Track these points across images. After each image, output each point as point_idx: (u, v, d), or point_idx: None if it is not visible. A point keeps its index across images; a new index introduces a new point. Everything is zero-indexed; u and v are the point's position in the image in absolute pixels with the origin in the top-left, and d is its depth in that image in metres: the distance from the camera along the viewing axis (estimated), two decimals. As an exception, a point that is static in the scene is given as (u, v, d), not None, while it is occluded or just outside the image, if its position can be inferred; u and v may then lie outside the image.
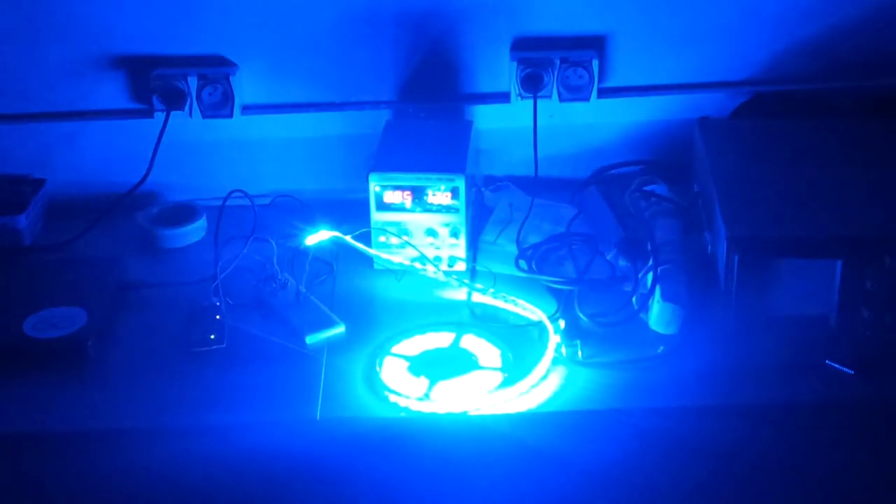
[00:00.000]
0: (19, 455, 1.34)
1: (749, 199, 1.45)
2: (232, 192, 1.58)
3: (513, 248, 1.62)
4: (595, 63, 1.70)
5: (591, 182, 1.77)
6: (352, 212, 1.72)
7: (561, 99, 1.73)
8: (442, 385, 1.37)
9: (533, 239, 1.64)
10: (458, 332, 1.45)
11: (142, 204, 1.73)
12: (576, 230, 1.64)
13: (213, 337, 1.45)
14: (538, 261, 1.59)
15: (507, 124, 1.77)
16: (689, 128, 1.74)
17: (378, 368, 1.40)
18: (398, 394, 1.35)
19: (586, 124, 1.77)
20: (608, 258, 1.50)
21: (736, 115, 1.74)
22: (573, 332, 1.43)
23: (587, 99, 1.73)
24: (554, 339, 1.42)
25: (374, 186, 1.55)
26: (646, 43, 1.73)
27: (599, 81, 1.72)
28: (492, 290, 1.52)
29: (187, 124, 1.73)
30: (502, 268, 1.58)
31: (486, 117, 1.76)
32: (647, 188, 1.65)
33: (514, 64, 1.71)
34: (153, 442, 1.34)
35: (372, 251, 1.57)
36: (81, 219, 1.71)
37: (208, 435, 1.34)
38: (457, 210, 1.55)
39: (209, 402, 1.37)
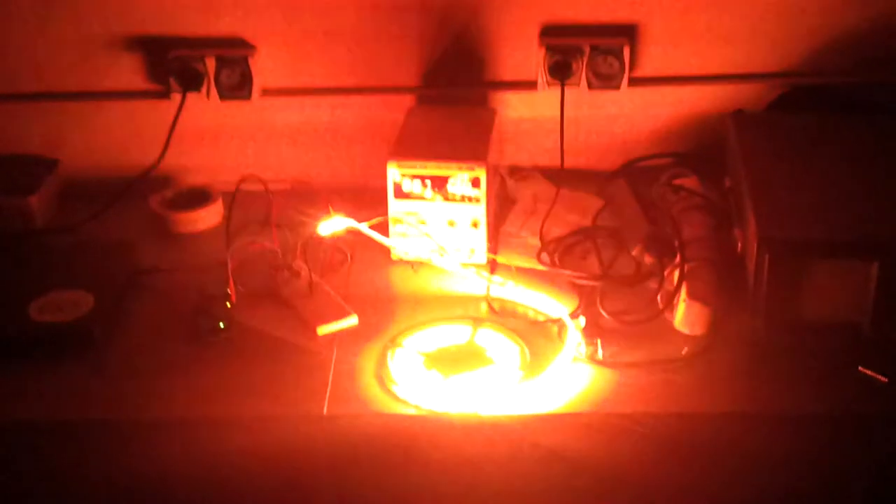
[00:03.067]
0: (19, 443, 1.30)
1: (783, 196, 1.39)
2: (245, 176, 1.53)
3: (535, 241, 1.57)
4: (626, 51, 1.64)
5: (620, 174, 1.72)
6: (370, 200, 1.66)
7: (590, 87, 1.67)
8: (455, 381, 1.32)
9: (557, 231, 1.58)
10: (474, 327, 1.40)
11: (156, 187, 1.69)
12: (601, 223, 1.58)
13: (222, 326, 1.41)
14: (561, 254, 1.53)
15: (534, 113, 1.71)
16: (722, 121, 1.68)
17: (389, 363, 1.35)
18: (409, 390, 1.30)
19: (615, 114, 1.72)
20: (634, 253, 1.44)
21: (771, 109, 1.68)
22: (594, 330, 1.38)
23: (617, 87, 1.67)
24: (574, 336, 1.36)
25: (392, 174, 1.50)
26: (679, 32, 1.67)
27: (630, 70, 1.67)
28: (512, 283, 1.47)
29: (204, 106, 1.68)
30: (524, 261, 1.53)
31: (512, 105, 1.70)
32: (677, 182, 1.58)
33: (542, 51, 1.65)
34: (156, 433, 1.30)
35: (388, 241, 1.52)
36: (94, 201, 1.67)
37: (213, 428, 1.29)
38: (478, 200, 1.50)
39: (215, 393, 1.32)
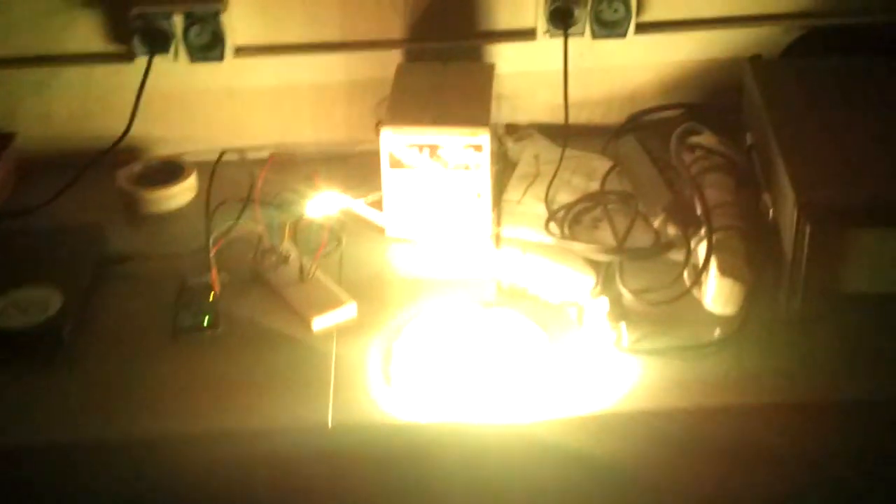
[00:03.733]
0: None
1: (819, 156, 1.26)
2: (224, 152, 1.39)
3: (541, 209, 1.44)
4: (634, -6, 1.50)
5: (627, 129, 1.58)
6: (359, 168, 1.54)
7: (594, 36, 1.53)
8: (469, 379, 1.20)
9: (563, 197, 1.45)
10: (485, 314, 1.28)
11: (121, 161, 1.54)
12: (611, 187, 1.45)
13: (206, 321, 1.27)
14: (570, 223, 1.41)
15: (532, 66, 1.57)
16: (735, 68, 1.54)
17: (395, 360, 1.22)
18: (419, 391, 1.18)
19: (621, 65, 1.58)
20: (655, 224, 1.31)
21: (789, 54, 1.55)
22: (616, 312, 1.25)
23: (623, 35, 1.53)
24: (595, 321, 1.24)
25: (386, 142, 1.35)
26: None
27: (636, 15, 1.53)
28: (520, 259, 1.34)
29: (172, 69, 1.53)
30: (530, 232, 1.40)
31: (507, 58, 1.56)
32: (693, 139, 1.45)
33: (542, -4, 1.51)
34: (142, 452, 1.16)
35: (386, 220, 1.39)
36: (54, 179, 1.51)
37: (206, 443, 1.16)
38: (480, 169, 1.36)
39: (206, 402, 1.18)
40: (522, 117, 1.59)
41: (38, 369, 1.23)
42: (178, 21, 1.50)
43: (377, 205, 1.39)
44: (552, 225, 1.39)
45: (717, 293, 1.24)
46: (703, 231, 1.28)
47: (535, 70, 1.57)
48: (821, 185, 1.21)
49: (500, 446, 1.18)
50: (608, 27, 1.52)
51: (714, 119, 1.53)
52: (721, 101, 1.57)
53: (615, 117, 1.61)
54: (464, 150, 1.35)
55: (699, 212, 1.30)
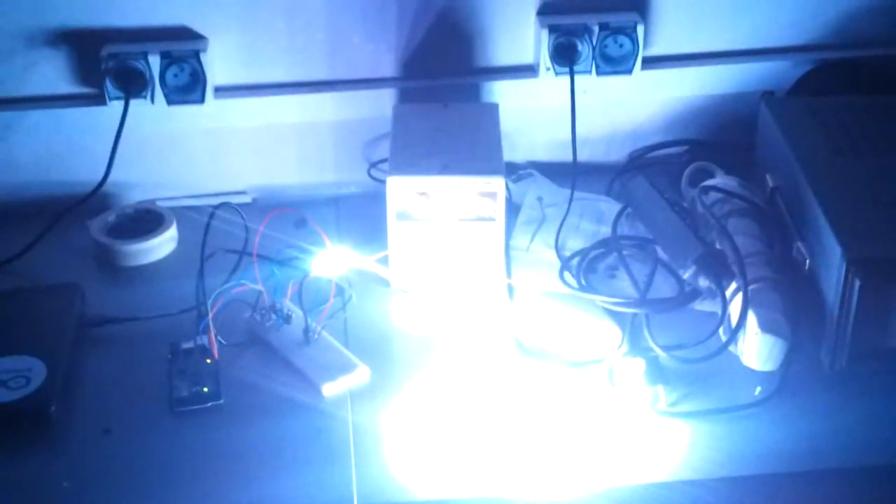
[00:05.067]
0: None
1: (859, 205, 1.20)
2: (220, 205, 1.29)
3: (551, 256, 1.36)
4: (640, 29, 1.43)
5: (631, 168, 1.51)
6: (349, 212, 1.46)
7: (598, 73, 1.45)
8: (496, 451, 1.11)
9: (573, 243, 1.37)
10: (505, 375, 1.19)
11: (92, 209, 1.42)
12: (621, 231, 1.38)
13: (206, 390, 1.17)
14: (585, 272, 1.33)
15: (531, 102, 1.49)
16: (741, 104, 1.49)
17: (417, 430, 1.13)
18: (447, 466, 1.09)
19: (623, 100, 1.50)
20: (685, 276, 1.24)
21: (797, 88, 1.49)
22: (653, 372, 1.18)
23: (629, 72, 1.45)
24: (628, 381, 1.16)
25: (393, 193, 1.26)
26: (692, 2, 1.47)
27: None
28: (538, 313, 1.26)
29: (148, 112, 1.41)
30: (543, 281, 1.32)
31: (505, 94, 1.47)
32: (710, 182, 1.38)
33: (544, 31, 1.42)
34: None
35: (393, 274, 1.30)
36: (19, 231, 1.39)
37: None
38: (494, 219, 1.28)
39: (212, 479, 1.08)
40: (520, 156, 1.51)
41: (23, 449, 1.11)
42: (154, 61, 1.39)
43: (384, 260, 1.30)
44: (566, 274, 1.31)
45: (759, 350, 1.17)
46: (736, 283, 1.21)
47: (534, 107, 1.49)
48: (867, 237, 1.15)
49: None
50: (613, 63, 1.45)
51: (720, 156, 1.47)
52: (727, 137, 1.51)
53: (616, 155, 1.54)
54: (477, 199, 1.26)
55: (731, 262, 1.23)
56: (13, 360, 1.17)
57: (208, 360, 1.20)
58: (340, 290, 1.27)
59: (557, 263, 1.33)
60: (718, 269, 1.22)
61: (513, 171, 1.49)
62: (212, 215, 1.32)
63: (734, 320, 1.19)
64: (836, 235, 1.15)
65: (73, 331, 1.23)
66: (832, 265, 1.15)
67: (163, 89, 1.40)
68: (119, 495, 1.07)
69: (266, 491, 1.07)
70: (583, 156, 1.47)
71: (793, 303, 1.21)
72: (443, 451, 1.10)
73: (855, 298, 1.12)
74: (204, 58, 1.39)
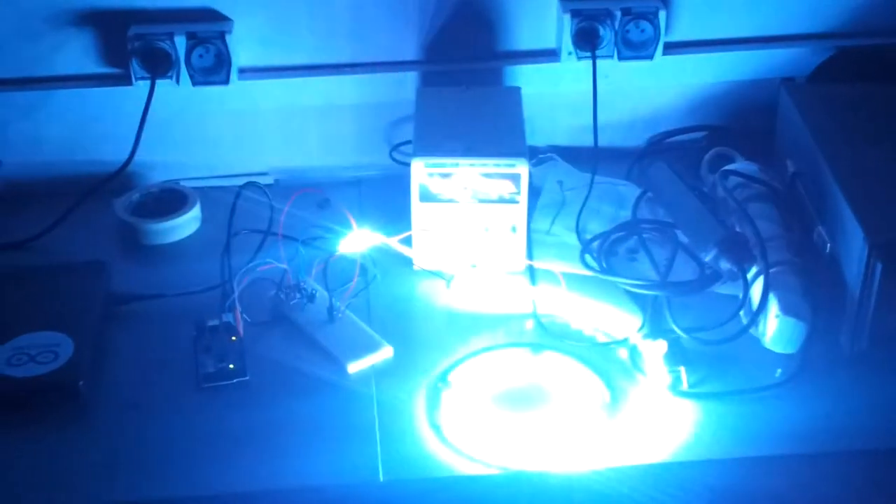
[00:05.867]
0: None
1: (881, 189, 1.21)
2: (245, 185, 1.30)
3: (571, 239, 1.37)
4: (662, 14, 1.44)
5: (649, 153, 1.52)
6: (370, 194, 1.47)
7: (620, 57, 1.46)
8: (523, 427, 1.12)
9: (593, 226, 1.38)
10: (531, 355, 1.20)
11: (116, 189, 1.44)
12: (641, 214, 1.39)
13: (232, 367, 1.18)
14: (606, 254, 1.34)
15: (552, 87, 1.50)
16: (760, 90, 1.50)
17: (444, 407, 1.14)
18: (473, 442, 1.10)
19: (644, 86, 1.51)
20: (707, 259, 1.25)
21: (817, 75, 1.49)
22: (675, 354, 1.19)
23: (650, 57, 1.46)
24: (650, 362, 1.17)
25: (417, 174, 1.27)
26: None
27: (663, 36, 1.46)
28: (560, 295, 1.27)
29: (174, 93, 1.43)
30: (564, 264, 1.32)
31: (527, 79, 1.48)
32: (731, 167, 1.39)
33: (567, 16, 1.43)
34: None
35: (417, 254, 1.31)
36: (44, 209, 1.41)
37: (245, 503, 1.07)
38: (516, 201, 1.29)
39: (236, 456, 1.10)
40: (541, 140, 1.52)
41: (52, 424, 1.12)
42: (180, 42, 1.40)
43: (406, 240, 1.31)
44: (587, 257, 1.32)
45: (779, 332, 1.18)
46: (757, 266, 1.22)
47: (555, 92, 1.50)
48: (889, 221, 1.15)
49: (555, 497, 1.10)
50: (635, 48, 1.46)
51: (739, 142, 1.48)
52: (746, 123, 1.52)
53: (636, 140, 1.55)
54: (501, 180, 1.27)
55: (752, 245, 1.24)
56: (41, 336, 1.19)
57: (234, 338, 1.21)
58: (364, 270, 1.29)
59: (578, 246, 1.34)
60: (740, 252, 1.23)
61: (533, 155, 1.49)
62: (238, 194, 1.33)
63: (755, 303, 1.20)
64: (858, 219, 1.16)
65: (100, 307, 1.25)
66: (853, 249, 1.16)
67: (188, 70, 1.41)
68: (146, 469, 1.09)
69: (292, 467, 1.08)
70: (603, 140, 1.48)
71: (813, 286, 1.22)
72: (466, 428, 1.12)
73: (876, 281, 1.13)
74: (229, 39, 1.40)
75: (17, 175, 1.45)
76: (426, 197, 1.28)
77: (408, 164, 1.29)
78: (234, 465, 1.09)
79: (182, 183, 1.46)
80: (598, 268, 1.31)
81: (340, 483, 1.07)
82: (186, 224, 1.40)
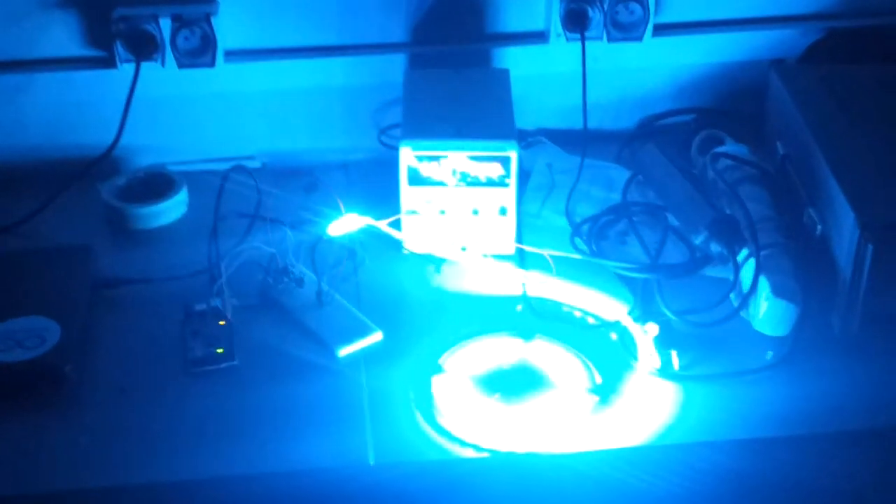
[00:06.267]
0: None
1: (871, 171, 1.20)
2: (233, 167, 1.29)
3: (561, 221, 1.36)
4: (651, -6, 1.43)
5: (639, 135, 1.52)
6: (359, 177, 1.46)
7: (609, 39, 1.45)
8: (516, 411, 1.12)
9: (583, 209, 1.38)
10: (522, 338, 1.19)
11: (104, 173, 1.42)
12: (631, 197, 1.38)
13: (220, 351, 1.17)
14: (596, 237, 1.33)
15: (541, 69, 1.49)
16: (751, 72, 1.49)
17: (433, 389, 1.13)
18: (463, 425, 1.09)
19: (634, 67, 1.50)
20: (697, 241, 1.24)
21: (807, 56, 1.49)
22: (664, 336, 1.18)
23: (640, 39, 1.46)
24: (643, 345, 1.17)
25: (406, 157, 1.26)
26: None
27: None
28: (552, 278, 1.26)
29: (158, 75, 1.41)
30: (554, 247, 1.32)
31: (515, 61, 1.47)
32: (721, 150, 1.38)
33: (556, -3, 1.43)
34: (160, 499, 1.06)
35: (406, 237, 1.30)
36: (28, 193, 1.40)
37: (234, 488, 1.06)
38: (506, 185, 1.28)
39: (225, 441, 1.09)
40: (530, 123, 1.51)
41: (39, 409, 1.11)
42: (165, 24, 1.39)
43: (395, 223, 1.30)
44: (577, 240, 1.32)
45: (770, 314, 1.18)
46: (747, 248, 1.22)
47: (543, 74, 1.49)
48: (880, 202, 1.15)
49: (546, 479, 1.10)
50: (624, 30, 1.45)
51: (729, 124, 1.47)
52: (736, 105, 1.51)
53: (625, 122, 1.54)
54: (490, 164, 1.26)
55: (743, 228, 1.24)
56: (27, 321, 1.18)
57: (222, 322, 1.20)
58: (352, 254, 1.28)
59: (568, 229, 1.34)
60: (730, 234, 1.22)
61: (522, 138, 1.48)
62: (225, 177, 1.32)
63: (746, 285, 1.20)
64: (849, 201, 1.15)
65: (86, 292, 1.24)
66: (844, 230, 1.16)
67: (173, 53, 1.40)
68: (134, 453, 1.08)
69: (281, 451, 1.08)
70: (593, 123, 1.47)
71: (804, 268, 1.22)
72: (456, 412, 1.11)
73: (867, 263, 1.13)
74: (215, 21, 1.39)
75: (1, 159, 1.44)
76: (415, 180, 1.28)
77: (396, 148, 1.28)
78: (222, 449, 1.08)
79: (168, 167, 1.45)
80: (588, 251, 1.30)
81: (330, 466, 1.06)
82: (173, 208, 1.39)
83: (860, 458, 1.12)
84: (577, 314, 1.24)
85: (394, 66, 1.46)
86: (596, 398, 1.12)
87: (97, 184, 1.40)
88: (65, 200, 1.40)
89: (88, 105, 1.43)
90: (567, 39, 1.45)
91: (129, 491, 1.05)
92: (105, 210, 1.39)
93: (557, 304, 1.25)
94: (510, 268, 1.29)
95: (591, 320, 1.23)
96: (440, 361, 1.16)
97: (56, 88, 1.42)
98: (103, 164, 1.42)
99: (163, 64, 1.40)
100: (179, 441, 1.09)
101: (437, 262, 1.30)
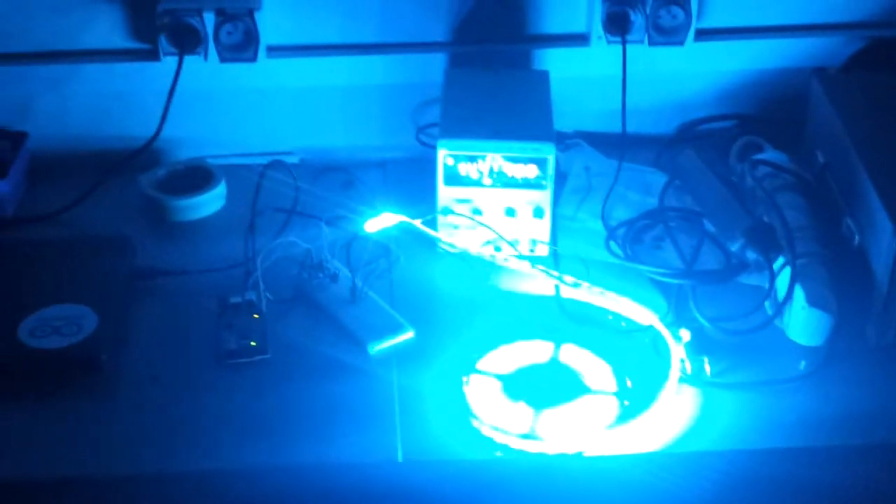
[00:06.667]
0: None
1: (911, 181, 1.20)
2: (271, 162, 1.30)
3: (596, 225, 1.35)
4: (694, 0, 1.42)
5: (678, 140, 1.51)
6: (396, 175, 1.47)
7: (651, 43, 1.45)
8: (544, 414, 1.12)
9: (619, 213, 1.37)
10: (555, 342, 1.19)
11: (144, 164, 1.44)
12: (668, 202, 1.37)
13: (253, 344, 1.18)
14: (631, 242, 1.33)
15: (581, 72, 1.49)
16: (792, 80, 1.48)
17: (464, 389, 1.14)
18: (494, 427, 1.10)
19: (674, 72, 1.50)
20: (733, 248, 1.24)
21: (849, 65, 1.48)
22: (697, 342, 1.18)
23: (681, 43, 1.45)
24: (676, 351, 1.17)
25: (443, 156, 1.27)
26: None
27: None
28: (586, 283, 1.26)
29: (200, 69, 1.42)
30: (588, 250, 1.32)
31: (555, 63, 1.47)
32: (759, 156, 1.38)
33: (597, 0, 1.42)
34: (190, 487, 1.07)
35: (443, 237, 1.30)
36: (68, 182, 1.41)
37: (266, 478, 1.07)
38: (542, 186, 1.28)
39: (255, 433, 1.10)
40: (568, 125, 1.51)
41: (74, 396, 1.13)
42: (209, 19, 1.40)
43: (430, 222, 1.30)
44: (612, 244, 1.32)
45: (805, 324, 1.17)
46: (783, 257, 1.21)
47: (583, 76, 1.49)
48: (919, 212, 1.15)
49: (574, 482, 1.10)
50: (666, 34, 1.45)
51: (769, 131, 1.47)
52: (777, 112, 1.50)
53: (664, 127, 1.53)
54: (527, 165, 1.27)
55: (780, 235, 1.23)
56: (65, 308, 1.19)
57: (256, 315, 1.21)
58: (387, 251, 1.29)
59: (603, 233, 1.33)
60: (767, 242, 1.22)
61: (561, 141, 1.48)
62: (262, 174, 1.32)
63: (781, 294, 1.19)
64: (888, 212, 1.15)
65: (124, 282, 1.25)
66: (882, 241, 1.15)
67: (216, 47, 1.41)
68: (166, 442, 1.09)
69: (309, 445, 1.09)
70: (632, 127, 1.46)
71: (840, 278, 1.21)
72: (486, 413, 1.11)
73: (905, 274, 1.12)
74: (258, 16, 1.40)
75: (44, 148, 1.45)
76: (451, 180, 1.28)
77: (434, 147, 1.28)
78: (251, 440, 1.09)
79: (208, 160, 1.46)
80: (622, 255, 1.30)
81: (358, 462, 1.07)
82: (211, 201, 1.40)
83: (892, 470, 1.11)
84: (610, 318, 1.24)
85: (434, 66, 1.46)
86: (626, 402, 1.12)
87: (137, 175, 1.41)
88: (105, 191, 1.41)
89: (131, 97, 1.44)
90: (608, 42, 1.44)
91: (158, 479, 1.06)
92: (144, 201, 1.40)
93: (590, 308, 1.25)
94: (544, 270, 1.29)
95: (624, 325, 1.23)
96: (472, 362, 1.17)
97: (100, 79, 1.44)
98: (144, 155, 1.43)
99: (205, 58, 1.41)
100: (209, 431, 1.10)
101: (472, 262, 1.30)
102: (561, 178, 1.41)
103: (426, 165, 1.30)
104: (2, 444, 1.08)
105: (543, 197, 1.29)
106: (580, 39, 1.47)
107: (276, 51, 1.45)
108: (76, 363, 1.14)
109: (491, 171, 1.28)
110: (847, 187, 1.26)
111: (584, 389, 1.14)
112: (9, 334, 1.15)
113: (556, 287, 1.27)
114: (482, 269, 1.30)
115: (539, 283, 1.28)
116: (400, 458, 1.07)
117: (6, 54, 1.42)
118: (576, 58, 1.48)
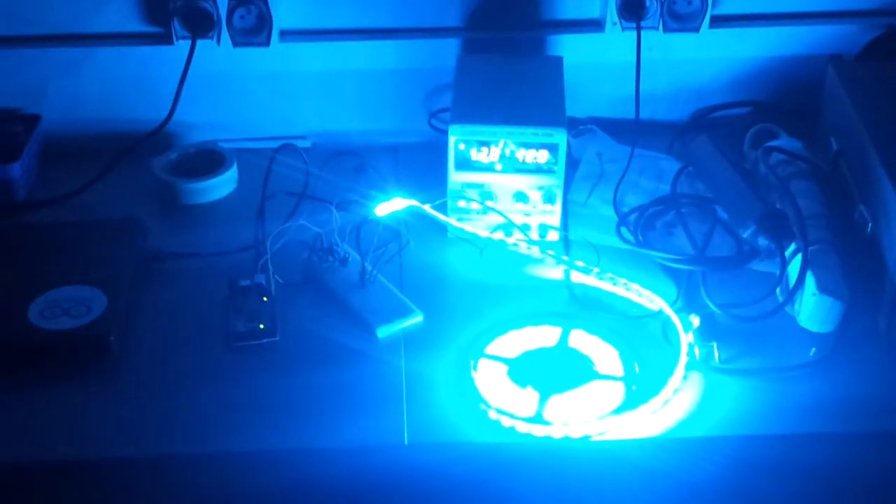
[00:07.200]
0: (21, 489, 1.07)
1: (925, 169, 1.19)
2: (283, 146, 1.30)
3: (608, 211, 1.35)
4: (709, -14, 1.42)
5: (691, 127, 1.50)
6: (407, 160, 1.46)
7: (665, 29, 1.44)
8: (551, 398, 1.11)
9: (631, 199, 1.37)
10: (563, 328, 1.19)
11: (156, 147, 1.44)
12: (681, 189, 1.37)
13: (262, 327, 1.18)
14: (643, 228, 1.32)
15: (595, 58, 1.48)
16: (808, 67, 1.47)
17: (474, 376, 1.13)
18: (501, 411, 1.09)
19: (689, 59, 1.49)
20: (745, 235, 1.23)
21: (866, 53, 1.47)
22: (706, 328, 1.17)
23: (696, 30, 1.44)
24: (685, 337, 1.16)
25: (454, 141, 1.26)
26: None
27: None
28: (596, 268, 1.26)
29: (214, 53, 1.42)
30: (599, 236, 1.31)
31: (569, 49, 1.47)
32: (773, 143, 1.37)
33: (612, -14, 1.42)
34: (197, 470, 1.08)
35: (453, 222, 1.30)
36: (81, 165, 1.42)
37: (272, 461, 1.07)
38: (553, 172, 1.28)
39: (263, 415, 1.10)
40: (581, 111, 1.50)
41: (83, 377, 1.13)
42: (222, 3, 1.40)
43: (441, 207, 1.30)
44: (623, 230, 1.31)
45: (815, 311, 1.16)
46: (795, 244, 1.20)
47: (597, 62, 1.48)
48: (933, 200, 1.14)
49: (581, 466, 1.10)
50: (681, 20, 1.44)
51: (783, 119, 1.45)
52: (792, 100, 1.49)
53: (678, 113, 1.53)
54: (538, 150, 1.26)
55: (792, 223, 1.22)
56: (75, 290, 1.19)
57: (265, 298, 1.21)
58: (397, 235, 1.28)
59: (615, 219, 1.33)
60: (779, 229, 1.21)
61: (573, 126, 1.48)
62: (272, 159, 1.32)
63: (792, 281, 1.18)
64: (901, 198, 1.14)
65: (134, 264, 1.25)
66: (895, 229, 1.14)
67: (229, 31, 1.41)
68: (174, 424, 1.09)
69: (317, 428, 1.09)
70: (645, 113, 1.46)
71: (852, 266, 1.21)
72: (494, 397, 1.11)
73: (917, 263, 1.11)
74: (271, 1, 1.40)
75: (57, 131, 1.45)
76: (463, 165, 1.27)
77: (445, 132, 1.28)
78: (258, 423, 1.09)
79: (220, 143, 1.46)
80: (634, 241, 1.29)
81: (365, 444, 1.07)
82: (223, 184, 1.41)
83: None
84: (620, 304, 1.23)
85: (447, 51, 1.46)
86: (634, 388, 1.12)
87: (149, 158, 1.42)
88: (117, 173, 1.42)
89: (144, 80, 1.45)
90: (623, 28, 1.44)
91: (165, 461, 1.07)
92: (156, 184, 1.40)
93: (601, 293, 1.25)
94: (555, 255, 1.29)
95: (633, 310, 1.22)
96: (480, 346, 1.16)
97: (113, 63, 1.44)
98: (156, 138, 1.44)
99: (218, 42, 1.41)
100: (218, 414, 1.10)
101: (482, 247, 1.29)
102: (573, 164, 1.41)
103: (438, 150, 1.30)
104: (10, 426, 1.09)
105: (555, 182, 1.28)
106: (594, 25, 1.46)
107: (289, 35, 1.44)
108: (85, 344, 1.14)
109: (502, 156, 1.27)
110: (861, 175, 1.25)
111: (593, 374, 1.14)
112: (19, 315, 1.16)
113: (566, 272, 1.27)
114: (492, 253, 1.30)
115: (549, 269, 1.28)
116: (406, 442, 1.07)
117: (21, 37, 1.42)
118: (590, 44, 1.47)
